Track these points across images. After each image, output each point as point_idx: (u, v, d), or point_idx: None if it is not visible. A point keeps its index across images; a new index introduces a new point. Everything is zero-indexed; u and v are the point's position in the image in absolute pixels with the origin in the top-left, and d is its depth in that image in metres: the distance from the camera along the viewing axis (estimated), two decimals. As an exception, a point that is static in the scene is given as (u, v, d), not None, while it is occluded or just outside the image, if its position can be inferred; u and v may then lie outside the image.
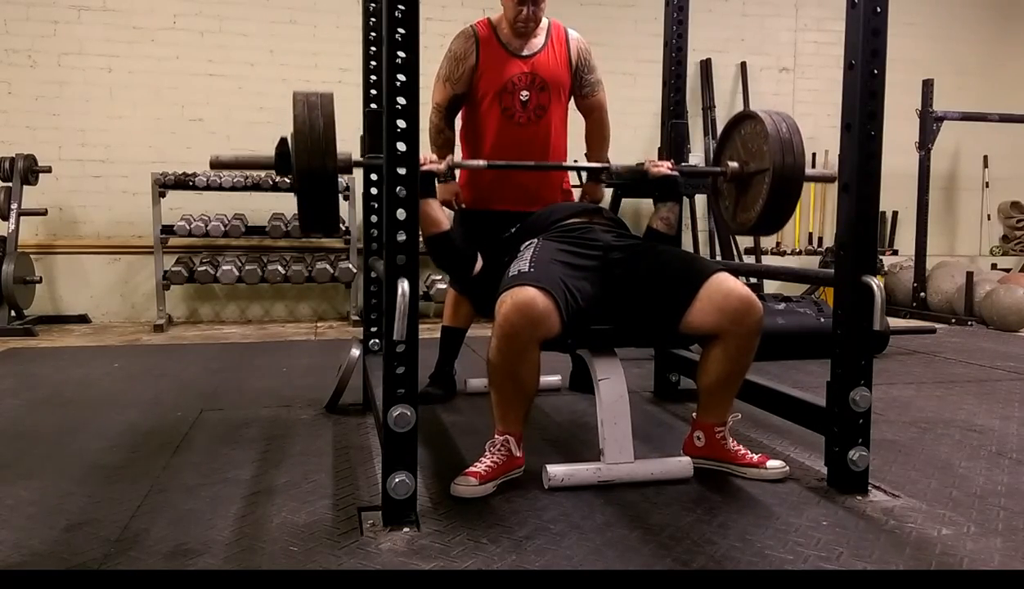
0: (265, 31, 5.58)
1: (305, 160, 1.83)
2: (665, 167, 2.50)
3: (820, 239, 6.50)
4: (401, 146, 1.72)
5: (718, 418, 2.15)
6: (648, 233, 2.47)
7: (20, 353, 4.15)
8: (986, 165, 6.92)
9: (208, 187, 5.05)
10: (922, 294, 5.90)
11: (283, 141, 1.92)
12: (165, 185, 5.06)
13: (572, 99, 2.99)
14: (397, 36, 1.69)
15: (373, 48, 2.68)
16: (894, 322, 5.07)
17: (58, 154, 5.31)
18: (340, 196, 5.12)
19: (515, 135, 2.84)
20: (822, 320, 3.98)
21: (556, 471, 2.02)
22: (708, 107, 6.20)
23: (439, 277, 5.16)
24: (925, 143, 5.74)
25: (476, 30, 2.83)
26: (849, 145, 1.96)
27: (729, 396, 2.16)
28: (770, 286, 5.55)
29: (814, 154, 6.40)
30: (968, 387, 3.36)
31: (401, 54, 1.70)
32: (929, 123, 5.71)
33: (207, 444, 2.43)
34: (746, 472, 2.11)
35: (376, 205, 2.72)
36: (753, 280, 4.79)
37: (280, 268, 5.13)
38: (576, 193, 3.12)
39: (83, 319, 5.30)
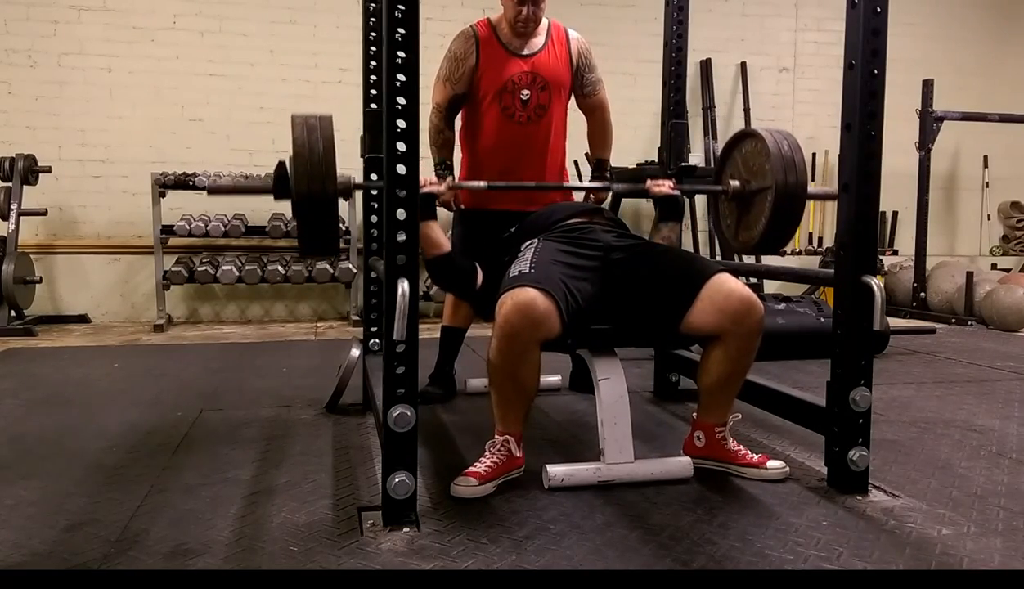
0: (265, 31, 5.57)
1: (305, 184, 1.80)
2: (667, 186, 2.50)
3: (820, 239, 6.50)
4: (401, 146, 1.72)
5: (718, 418, 2.15)
6: None
7: (20, 353, 4.15)
8: (986, 165, 6.92)
9: (209, 192, 5.03)
10: (922, 294, 5.90)
11: (281, 165, 1.90)
12: (165, 185, 5.06)
13: (573, 99, 2.99)
14: (397, 36, 1.69)
15: (373, 48, 2.68)
16: (894, 322, 5.07)
17: (58, 154, 5.31)
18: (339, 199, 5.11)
19: (515, 134, 2.84)
20: (822, 320, 3.97)
21: (556, 471, 2.02)
22: (708, 107, 6.20)
23: (439, 277, 5.16)
24: (925, 143, 5.74)
25: (476, 30, 2.83)
26: (849, 145, 1.96)
27: (730, 396, 2.16)
28: (770, 286, 5.55)
29: (814, 154, 6.41)
30: (968, 387, 3.36)
31: (401, 54, 1.70)
32: (929, 123, 5.71)
33: (207, 444, 2.43)
34: (746, 472, 2.11)
35: (376, 205, 2.73)
36: (753, 280, 4.79)
37: (280, 268, 5.13)
38: (575, 194, 3.12)
39: (83, 319, 5.30)
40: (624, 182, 4.92)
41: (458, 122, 2.98)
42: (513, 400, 2.03)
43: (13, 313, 4.81)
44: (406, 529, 1.74)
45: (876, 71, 1.92)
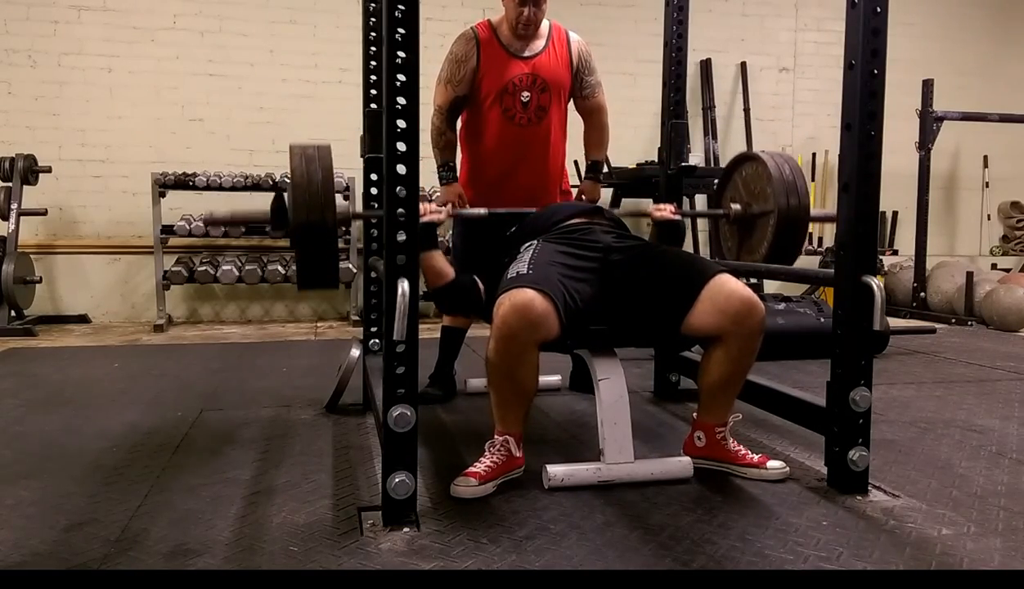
0: (265, 31, 5.58)
1: (303, 214, 1.78)
2: (668, 211, 2.51)
3: (820, 239, 6.50)
4: (401, 146, 1.72)
5: (719, 419, 2.15)
6: None
7: (20, 353, 4.15)
8: (986, 165, 6.92)
9: (208, 187, 5.05)
10: (922, 294, 5.90)
11: (279, 196, 1.89)
12: (165, 185, 5.06)
13: (573, 102, 2.99)
14: (397, 36, 1.69)
15: (373, 48, 2.68)
16: (894, 322, 5.07)
17: (58, 154, 5.31)
18: (340, 196, 5.12)
19: (515, 136, 2.84)
20: (822, 320, 3.97)
21: (556, 471, 2.02)
22: (708, 107, 6.20)
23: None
24: (925, 143, 5.74)
25: (476, 32, 2.83)
26: (849, 145, 1.96)
27: (730, 397, 2.16)
28: (770, 286, 5.54)
29: (814, 154, 6.42)
30: (968, 387, 3.36)
31: (401, 54, 1.70)
32: (929, 123, 5.71)
33: (207, 444, 2.43)
34: (746, 472, 2.11)
35: (376, 205, 2.72)
36: (753, 280, 4.78)
37: (280, 268, 5.13)
38: (575, 193, 3.12)
39: (83, 319, 5.30)
40: (624, 183, 4.94)
41: (458, 124, 2.98)
42: (512, 400, 2.03)
43: (13, 313, 4.81)
44: (406, 529, 1.74)
45: (876, 71, 1.92)
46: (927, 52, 6.52)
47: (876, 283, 1.91)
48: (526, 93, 2.81)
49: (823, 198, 6.49)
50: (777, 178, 2.18)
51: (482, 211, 2.59)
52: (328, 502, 1.92)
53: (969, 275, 5.54)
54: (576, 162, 4.76)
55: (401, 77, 1.70)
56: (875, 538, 1.74)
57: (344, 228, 1.94)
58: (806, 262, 6.33)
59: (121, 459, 2.27)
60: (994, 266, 6.51)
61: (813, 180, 6.48)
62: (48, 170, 5.11)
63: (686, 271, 2.11)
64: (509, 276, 2.04)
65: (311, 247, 1.83)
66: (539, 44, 2.85)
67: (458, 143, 2.98)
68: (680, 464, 2.12)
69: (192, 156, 5.43)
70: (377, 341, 2.76)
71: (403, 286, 1.69)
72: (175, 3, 5.46)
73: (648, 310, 2.12)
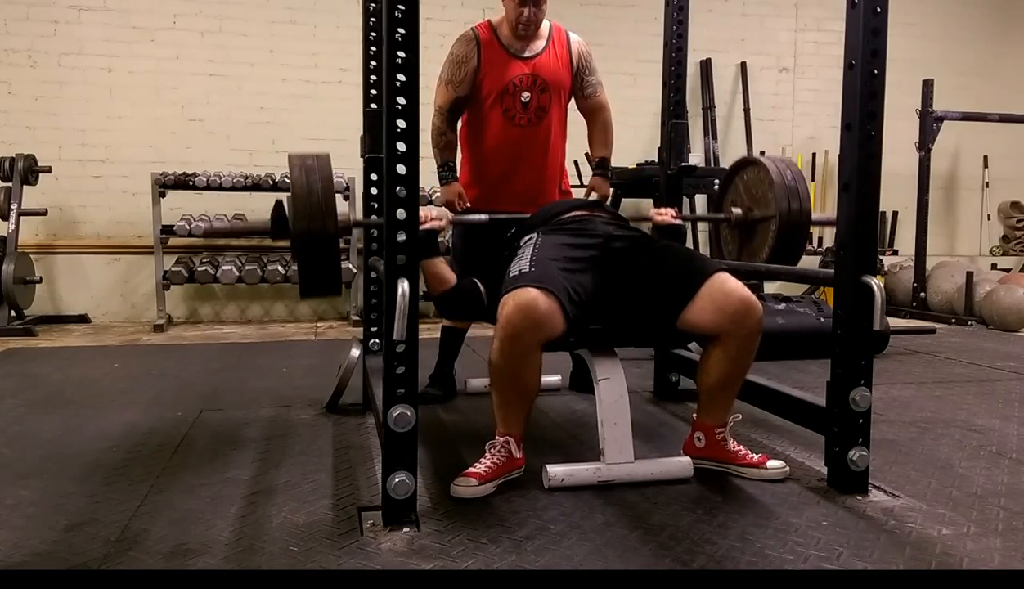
0: (265, 31, 5.58)
1: (304, 224, 1.78)
2: (669, 215, 2.51)
3: (820, 239, 6.50)
4: (401, 146, 1.72)
5: (718, 419, 2.15)
6: None
7: (20, 353, 4.15)
8: (986, 165, 6.92)
9: (208, 187, 5.05)
10: (922, 294, 5.90)
11: (279, 205, 1.89)
12: (165, 185, 5.06)
13: (574, 101, 2.99)
14: (397, 36, 1.69)
15: (373, 48, 2.68)
16: (894, 322, 5.07)
17: (58, 154, 5.31)
18: (340, 196, 5.12)
19: (515, 136, 2.84)
20: (822, 320, 3.98)
21: (556, 471, 2.02)
22: (708, 107, 6.20)
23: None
24: (925, 143, 5.74)
25: (477, 33, 2.83)
26: (849, 145, 1.96)
27: (729, 397, 2.16)
28: (770, 286, 5.54)
29: (814, 154, 6.41)
30: (968, 387, 3.36)
31: (401, 54, 1.70)
32: (929, 123, 5.71)
33: (207, 444, 2.43)
34: (746, 472, 2.11)
35: (376, 205, 2.72)
36: (753, 281, 4.79)
37: (280, 268, 5.13)
38: (575, 194, 3.12)
39: (83, 319, 5.30)
40: (624, 183, 4.93)
41: (459, 124, 2.98)
42: (515, 401, 2.03)
43: (13, 313, 4.81)
44: (406, 529, 1.74)
45: (876, 71, 1.92)
46: (927, 52, 6.52)
47: (876, 283, 1.91)
48: (526, 93, 2.81)
49: (823, 198, 6.49)
50: (779, 183, 2.18)
51: (483, 217, 2.59)
52: (328, 502, 1.92)
53: (969, 275, 5.54)
54: (576, 162, 4.76)
55: (401, 77, 1.70)
56: (875, 538, 1.74)
57: (345, 236, 1.93)
58: (806, 262, 6.30)
59: (121, 459, 2.27)
60: (994, 266, 6.51)
61: (813, 180, 6.48)
62: (48, 170, 5.11)
63: (686, 266, 2.11)
64: (511, 274, 2.03)
65: (313, 256, 1.83)
66: (539, 44, 2.85)
67: (458, 143, 2.98)
68: (680, 464, 2.12)
69: (192, 156, 5.43)
70: (377, 341, 2.76)
71: (403, 286, 1.69)
72: (175, 3, 5.46)
73: (646, 302, 2.12)
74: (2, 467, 2.19)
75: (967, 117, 5.85)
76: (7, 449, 2.37)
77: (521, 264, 2.05)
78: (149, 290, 5.27)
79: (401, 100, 1.71)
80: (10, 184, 4.90)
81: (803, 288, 5.57)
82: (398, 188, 1.72)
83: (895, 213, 6.56)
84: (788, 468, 2.13)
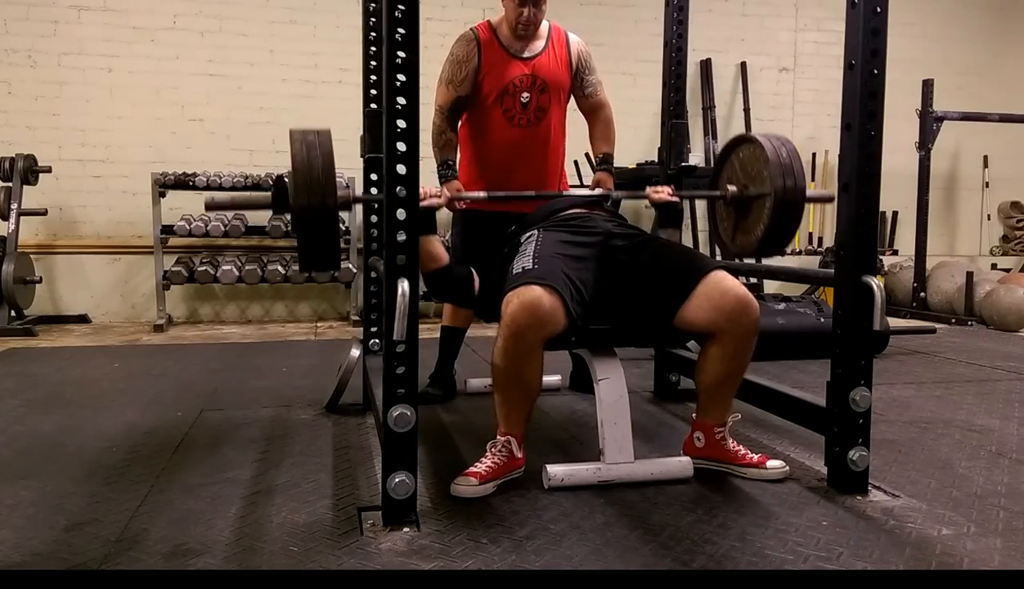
0: (265, 31, 5.57)
1: (304, 199, 1.79)
2: (665, 193, 2.51)
3: (820, 239, 6.50)
4: (401, 146, 1.72)
5: (718, 418, 2.15)
6: None
7: (20, 353, 4.15)
8: (986, 165, 6.92)
9: (208, 187, 5.04)
10: (922, 294, 5.90)
11: (280, 179, 1.90)
12: (165, 185, 5.06)
13: (574, 100, 2.99)
14: (397, 36, 1.69)
15: (373, 48, 2.68)
16: (894, 322, 5.07)
17: (58, 154, 5.31)
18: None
19: (515, 137, 2.84)
20: (822, 320, 3.97)
21: (556, 471, 2.02)
22: (708, 107, 6.20)
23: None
24: (925, 143, 5.74)
25: (477, 33, 2.83)
26: (849, 145, 1.97)
27: (728, 396, 2.16)
28: (770, 286, 5.55)
29: (814, 154, 6.41)
30: (968, 387, 3.36)
31: (401, 54, 1.70)
32: (929, 123, 5.71)
33: (207, 444, 2.43)
34: (746, 472, 2.11)
35: (376, 205, 2.72)
36: (753, 280, 4.79)
37: (280, 268, 5.13)
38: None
39: (83, 319, 5.30)
40: (624, 183, 4.93)
41: (458, 125, 2.98)
42: (517, 400, 2.03)
43: (13, 313, 4.81)
44: (406, 529, 1.74)
45: (876, 71, 1.93)
46: (927, 52, 6.51)
47: (876, 283, 1.91)
48: (526, 94, 2.81)
49: (823, 198, 6.49)
50: (774, 161, 2.18)
51: (481, 194, 2.59)
52: (328, 502, 1.92)
53: (969, 275, 5.54)
54: (576, 162, 4.76)
55: (401, 77, 1.70)
56: (875, 538, 1.74)
57: (345, 211, 1.95)
58: (806, 262, 6.34)
59: (121, 459, 2.27)
60: (994, 266, 6.51)
61: (813, 180, 6.48)
62: (48, 170, 5.11)
63: (684, 264, 2.11)
64: (514, 272, 2.04)
65: (312, 230, 1.84)
66: (539, 45, 2.85)
67: (458, 144, 2.98)
68: (680, 464, 2.12)
69: (192, 156, 5.43)
70: (377, 341, 2.76)
71: (403, 286, 1.70)
72: (175, 3, 5.46)
73: (643, 299, 2.12)
74: (2, 467, 2.19)
75: (967, 117, 5.85)
76: (7, 449, 2.37)
77: (524, 261, 2.05)
78: (149, 290, 5.27)
79: (401, 100, 1.71)
80: (10, 184, 4.90)
81: (803, 288, 5.57)
82: (398, 188, 1.72)
83: (895, 213, 6.56)
84: (788, 468, 2.13)
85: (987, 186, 6.94)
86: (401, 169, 1.72)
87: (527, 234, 2.22)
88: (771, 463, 2.12)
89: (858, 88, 1.93)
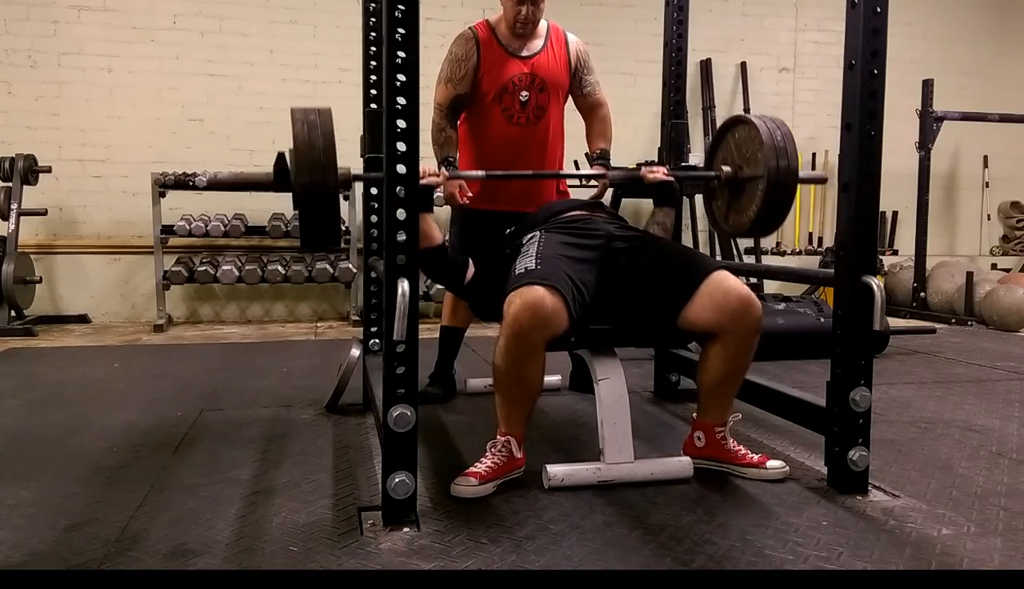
0: (265, 31, 5.57)
1: (306, 177, 1.81)
2: (661, 172, 2.51)
3: (820, 239, 6.50)
4: (401, 146, 1.72)
5: (718, 418, 2.15)
6: None
7: (20, 353, 4.15)
8: (986, 165, 6.92)
9: (208, 187, 5.03)
10: (922, 294, 5.90)
11: (280, 157, 1.91)
12: (165, 185, 5.05)
13: (572, 100, 2.99)
14: (397, 36, 1.69)
15: (373, 48, 2.68)
16: (894, 322, 5.06)
17: (58, 154, 5.31)
18: (340, 196, 5.11)
19: (514, 136, 2.84)
20: (822, 320, 3.97)
21: (556, 471, 2.02)
22: (708, 107, 6.20)
23: (439, 277, 5.16)
24: (925, 143, 5.74)
25: (476, 32, 2.83)
26: (849, 145, 1.97)
27: (729, 396, 2.16)
28: (770, 286, 5.55)
29: (814, 154, 6.41)
30: (968, 387, 3.36)
31: (401, 54, 1.70)
32: (929, 123, 5.71)
33: (207, 444, 2.43)
34: (746, 472, 2.11)
35: (376, 205, 2.73)
36: (753, 280, 4.79)
37: (280, 268, 5.13)
38: (573, 194, 3.11)
39: (83, 319, 5.30)
40: (621, 183, 4.93)
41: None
42: (518, 400, 2.03)
43: (13, 313, 4.81)
44: (406, 529, 1.74)
45: (876, 71, 1.93)
46: (927, 52, 6.51)
47: (876, 283, 1.91)
48: (525, 93, 2.81)
49: (823, 198, 6.50)
50: (768, 143, 2.19)
51: (480, 173, 2.60)
52: (328, 502, 1.92)
53: (969, 275, 5.54)
54: (576, 162, 4.76)
55: (401, 77, 1.70)
56: (875, 538, 1.74)
57: (345, 189, 1.98)
58: (806, 262, 6.35)
59: (121, 459, 2.27)
60: (994, 266, 6.51)
61: (813, 180, 6.48)
62: (48, 170, 5.11)
63: (686, 265, 2.11)
64: (517, 272, 2.04)
65: (313, 208, 1.85)
66: (537, 44, 2.85)
67: (458, 141, 2.98)
68: (680, 464, 2.12)
69: (192, 156, 5.42)
70: (377, 341, 2.76)
71: (403, 286, 1.70)
72: (175, 3, 5.46)
73: (646, 301, 2.13)
74: (2, 467, 2.19)
75: (967, 117, 5.85)
76: (7, 449, 2.37)
77: (527, 262, 2.05)
78: (149, 290, 5.27)
79: (401, 100, 1.71)
80: (10, 184, 4.90)
81: (803, 288, 5.57)
82: (398, 188, 1.72)
83: (895, 213, 6.56)
84: (788, 468, 2.13)
85: (987, 186, 6.94)
86: (401, 169, 1.72)
87: (529, 235, 2.22)
88: (771, 463, 2.12)
89: (858, 88, 1.93)
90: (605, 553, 1.65)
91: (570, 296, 1.97)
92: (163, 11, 5.44)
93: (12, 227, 4.84)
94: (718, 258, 5.84)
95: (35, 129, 5.31)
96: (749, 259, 6.04)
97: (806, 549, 1.67)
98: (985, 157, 6.90)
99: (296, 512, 1.85)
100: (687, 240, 5.74)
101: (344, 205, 5.21)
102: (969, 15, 6.85)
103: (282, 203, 5.34)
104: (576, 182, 3.15)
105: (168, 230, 5.07)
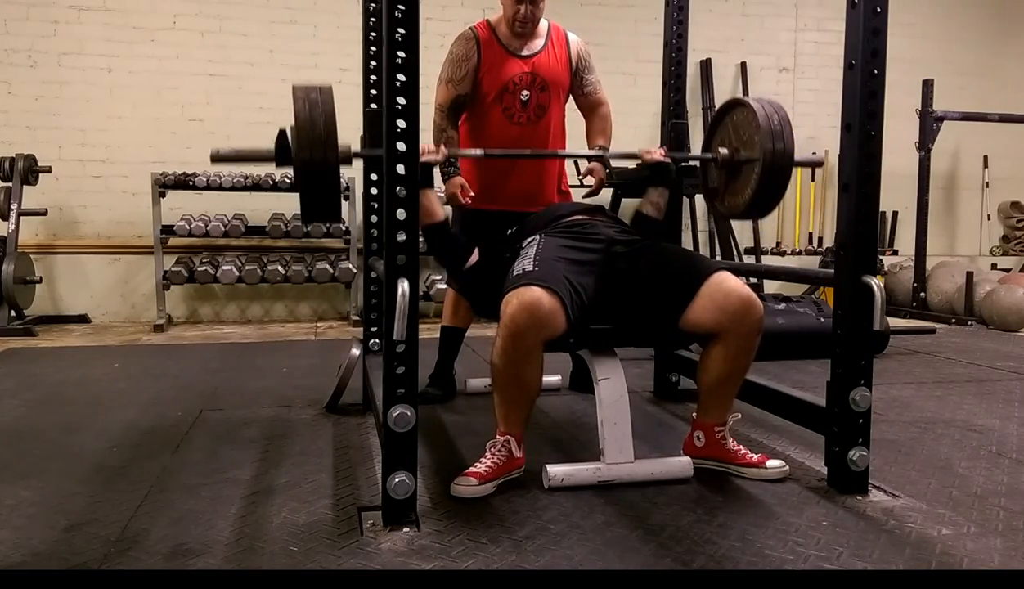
0: (265, 31, 5.58)
1: (307, 152, 1.83)
2: (658, 154, 2.54)
3: (820, 239, 6.50)
4: (401, 146, 1.72)
5: (718, 418, 2.15)
6: (637, 217, 2.48)
7: (20, 353, 4.15)
8: (986, 165, 6.92)
9: (208, 187, 5.05)
10: (922, 294, 5.90)
11: (282, 133, 1.93)
12: (165, 185, 5.06)
13: (573, 99, 2.99)
14: (397, 36, 1.69)
15: (373, 48, 2.68)
16: (894, 322, 5.07)
17: (58, 154, 5.31)
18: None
19: (515, 135, 2.84)
20: (822, 320, 3.97)
21: (556, 471, 2.02)
22: (708, 107, 6.20)
23: (439, 277, 5.16)
24: (925, 143, 5.74)
25: (476, 32, 2.83)
26: (849, 145, 1.97)
27: (729, 396, 2.16)
28: (770, 286, 5.54)
29: (814, 154, 6.40)
30: (968, 387, 3.36)
31: (401, 54, 1.70)
32: (929, 123, 5.71)
33: (207, 444, 2.43)
34: (746, 472, 2.11)
35: (376, 205, 2.73)
36: (753, 280, 4.79)
37: (280, 268, 5.13)
38: (574, 194, 3.11)
39: (83, 319, 5.30)
40: (623, 180, 4.94)
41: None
42: (516, 400, 2.03)
43: (13, 313, 4.81)
44: (406, 529, 1.74)
45: (876, 71, 1.93)
46: (927, 52, 6.51)
47: (876, 283, 1.91)
48: (526, 92, 2.81)
49: (823, 198, 6.50)
50: (765, 127, 2.20)
51: (479, 151, 2.63)
52: (328, 502, 1.92)
53: (969, 275, 5.54)
54: (576, 162, 4.76)
55: (401, 77, 1.70)
56: (875, 538, 1.74)
57: (346, 165, 2.00)
58: (806, 262, 6.34)
59: (121, 459, 2.27)
60: (994, 266, 6.51)
61: (813, 180, 6.48)
62: (48, 170, 5.11)
63: (687, 267, 2.12)
64: (515, 273, 2.04)
65: (314, 184, 1.87)
66: (538, 43, 2.85)
67: (459, 141, 2.98)
68: (680, 464, 2.12)
69: (192, 156, 5.42)
70: (377, 341, 2.76)
71: (403, 286, 1.70)
72: (175, 3, 5.46)
73: (648, 304, 2.13)
74: (2, 467, 2.19)
75: (967, 117, 5.85)
76: (7, 449, 2.37)
77: (525, 263, 2.06)
78: (149, 290, 5.27)
79: (401, 100, 1.71)
80: (10, 184, 4.90)
81: (803, 288, 5.57)
82: (398, 188, 1.72)
83: (895, 213, 6.56)
84: (788, 468, 2.13)
85: (987, 186, 6.94)
86: (401, 169, 1.72)
87: (529, 239, 2.22)
88: (771, 463, 2.12)
89: (858, 88, 1.93)
90: (605, 553, 1.65)
91: (568, 298, 1.97)
92: (163, 11, 5.44)
93: (12, 227, 4.84)
94: (718, 258, 5.84)
95: (35, 129, 5.31)
96: (749, 259, 6.05)
97: (806, 549, 1.67)
98: (985, 157, 6.90)
99: (296, 512, 1.85)
100: (687, 240, 5.74)
101: (344, 205, 5.21)
102: (969, 15, 6.85)
103: (282, 203, 5.34)
104: (577, 181, 3.15)
105: (168, 230, 5.07)
